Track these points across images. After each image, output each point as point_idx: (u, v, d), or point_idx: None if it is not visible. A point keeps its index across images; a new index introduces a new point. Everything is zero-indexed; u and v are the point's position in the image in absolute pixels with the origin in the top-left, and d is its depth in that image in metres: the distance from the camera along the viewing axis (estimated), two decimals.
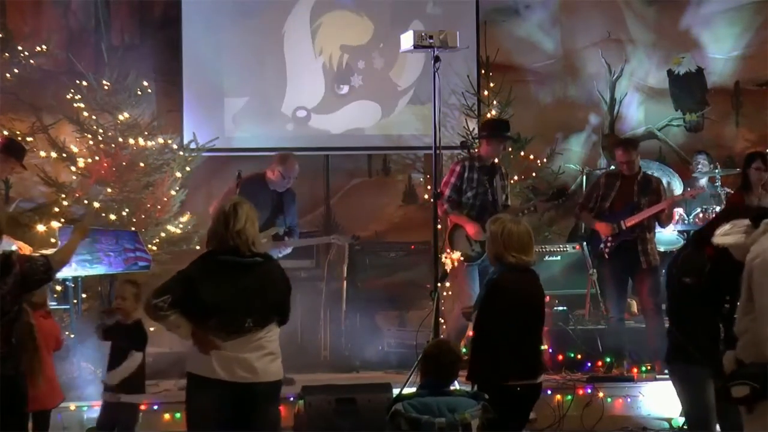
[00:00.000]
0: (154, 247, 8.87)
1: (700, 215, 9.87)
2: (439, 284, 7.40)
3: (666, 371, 5.99)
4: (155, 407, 7.31)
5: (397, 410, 4.96)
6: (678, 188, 10.12)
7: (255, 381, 5.08)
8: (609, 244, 8.21)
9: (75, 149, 9.37)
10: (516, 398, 5.36)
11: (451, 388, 5.19)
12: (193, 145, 9.60)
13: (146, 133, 9.33)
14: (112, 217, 8.89)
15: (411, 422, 4.90)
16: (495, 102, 10.23)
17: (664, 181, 9.66)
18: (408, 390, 6.49)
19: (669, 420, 7.68)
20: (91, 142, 9.30)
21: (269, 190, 8.09)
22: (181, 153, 9.52)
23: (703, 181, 10.12)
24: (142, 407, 6.69)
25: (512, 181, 9.71)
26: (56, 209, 8.98)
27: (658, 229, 8.63)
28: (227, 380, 5.03)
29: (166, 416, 7.31)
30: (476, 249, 7.98)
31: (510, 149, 10.13)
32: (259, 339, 5.10)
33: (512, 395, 5.31)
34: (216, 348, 5.03)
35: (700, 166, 10.16)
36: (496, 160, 8.30)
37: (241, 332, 5.04)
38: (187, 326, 5.09)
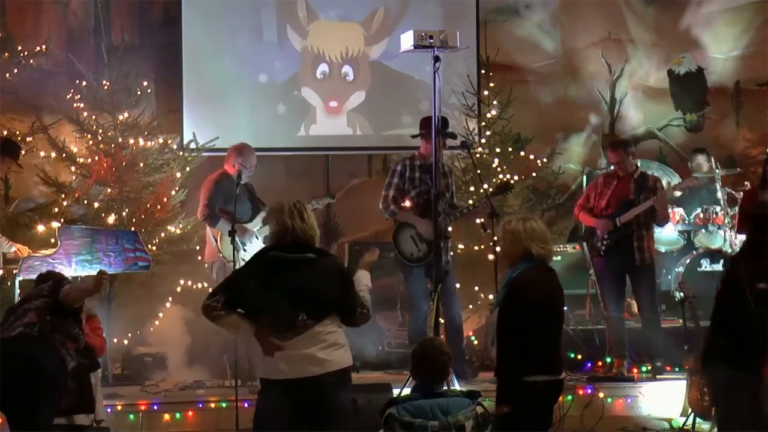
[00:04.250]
0: (154, 247, 8.87)
1: (701, 215, 9.88)
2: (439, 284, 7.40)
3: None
4: (155, 407, 7.32)
5: (390, 414, 4.97)
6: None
7: (323, 372, 5.08)
8: (605, 241, 8.22)
9: (75, 149, 9.38)
10: (540, 395, 5.37)
11: (446, 388, 5.18)
12: (193, 145, 9.60)
13: (146, 133, 9.34)
14: (112, 217, 8.90)
15: (404, 426, 4.90)
16: (495, 102, 10.23)
17: (664, 181, 9.66)
18: (407, 391, 6.50)
19: (669, 420, 7.69)
20: (91, 142, 9.31)
21: (240, 184, 8.10)
22: (181, 153, 9.53)
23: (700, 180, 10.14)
24: (142, 407, 6.70)
25: (512, 181, 9.72)
26: (56, 209, 8.98)
27: (658, 229, 8.63)
28: (296, 377, 5.04)
29: (166, 416, 7.33)
30: (423, 249, 7.93)
31: (510, 149, 10.16)
32: (318, 333, 5.09)
33: (536, 392, 5.33)
34: (279, 349, 5.04)
35: (698, 165, 10.14)
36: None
37: (296, 328, 5.05)
38: (247, 327, 5.11)
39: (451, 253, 8.37)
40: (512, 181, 8.46)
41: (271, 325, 5.05)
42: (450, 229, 8.21)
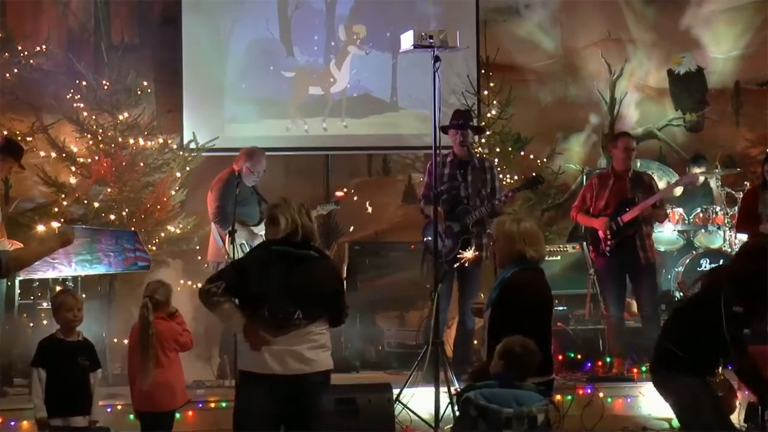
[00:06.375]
0: (154, 247, 8.88)
1: (700, 215, 9.89)
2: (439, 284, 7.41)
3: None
4: None
5: (468, 397, 5.08)
6: (678, 189, 10.11)
7: (309, 371, 5.09)
8: (609, 242, 8.21)
9: (75, 149, 9.38)
10: None
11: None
12: (193, 145, 9.61)
13: (146, 133, 9.34)
14: (112, 217, 8.90)
15: (480, 409, 4.99)
16: (495, 102, 10.24)
17: (664, 181, 9.67)
18: (407, 390, 6.48)
19: (669, 420, 7.69)
20: (90, 142, 9.31)
21: (247, 185, 8.16)
22: (181, 153, 9.54)
23: (701, 179, 10.14)
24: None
25: (513, 181, 9.73)
26: (56, 209, 8.99)
27: (658, 228, 8.63)
28: (282, 374, 5.05)
29: None
30: (448, 245, 7.93)
31: (510, 148, 10.17)
32: (308, 333, 5.11)
33: None
34: (267, 343, 5.04)
35: (696, 173, 10.13)
36: (472, 154, 8.26)
37: (290, 325, 5.05)
38: (239, 319, 5.11)
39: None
40: (540, 176, 8.48)
41: (266, 318, 5.05)
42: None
